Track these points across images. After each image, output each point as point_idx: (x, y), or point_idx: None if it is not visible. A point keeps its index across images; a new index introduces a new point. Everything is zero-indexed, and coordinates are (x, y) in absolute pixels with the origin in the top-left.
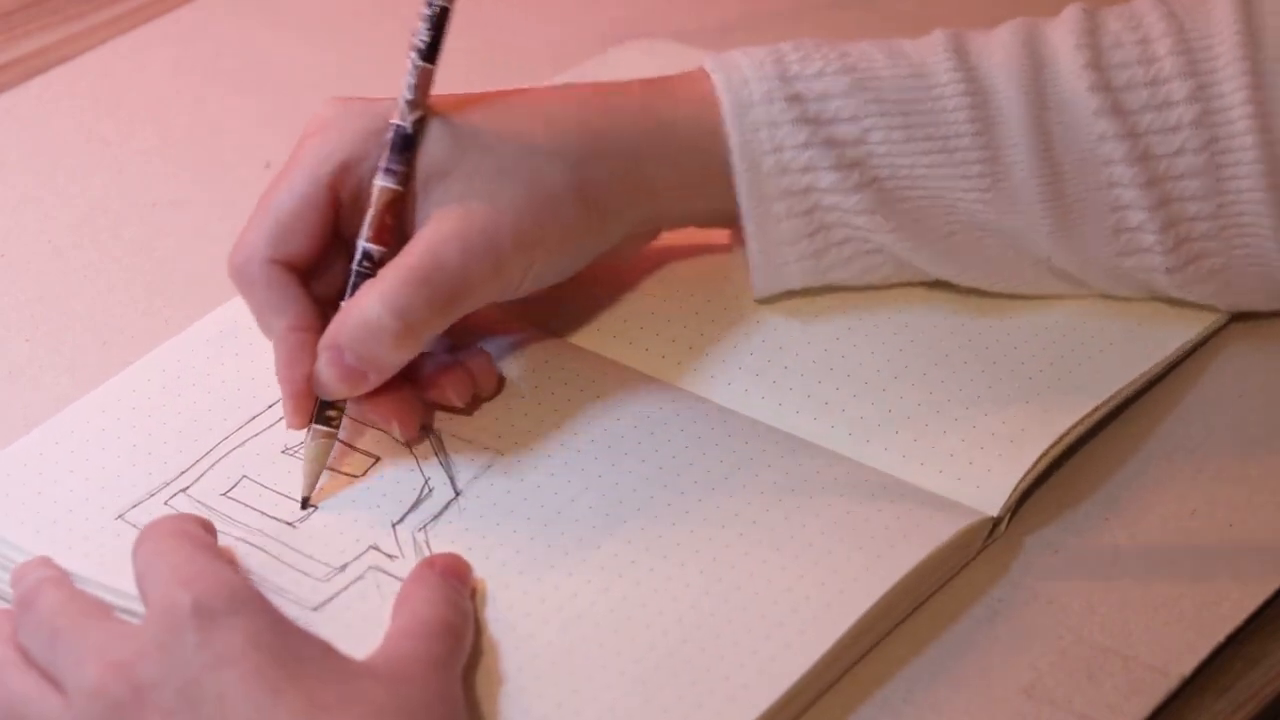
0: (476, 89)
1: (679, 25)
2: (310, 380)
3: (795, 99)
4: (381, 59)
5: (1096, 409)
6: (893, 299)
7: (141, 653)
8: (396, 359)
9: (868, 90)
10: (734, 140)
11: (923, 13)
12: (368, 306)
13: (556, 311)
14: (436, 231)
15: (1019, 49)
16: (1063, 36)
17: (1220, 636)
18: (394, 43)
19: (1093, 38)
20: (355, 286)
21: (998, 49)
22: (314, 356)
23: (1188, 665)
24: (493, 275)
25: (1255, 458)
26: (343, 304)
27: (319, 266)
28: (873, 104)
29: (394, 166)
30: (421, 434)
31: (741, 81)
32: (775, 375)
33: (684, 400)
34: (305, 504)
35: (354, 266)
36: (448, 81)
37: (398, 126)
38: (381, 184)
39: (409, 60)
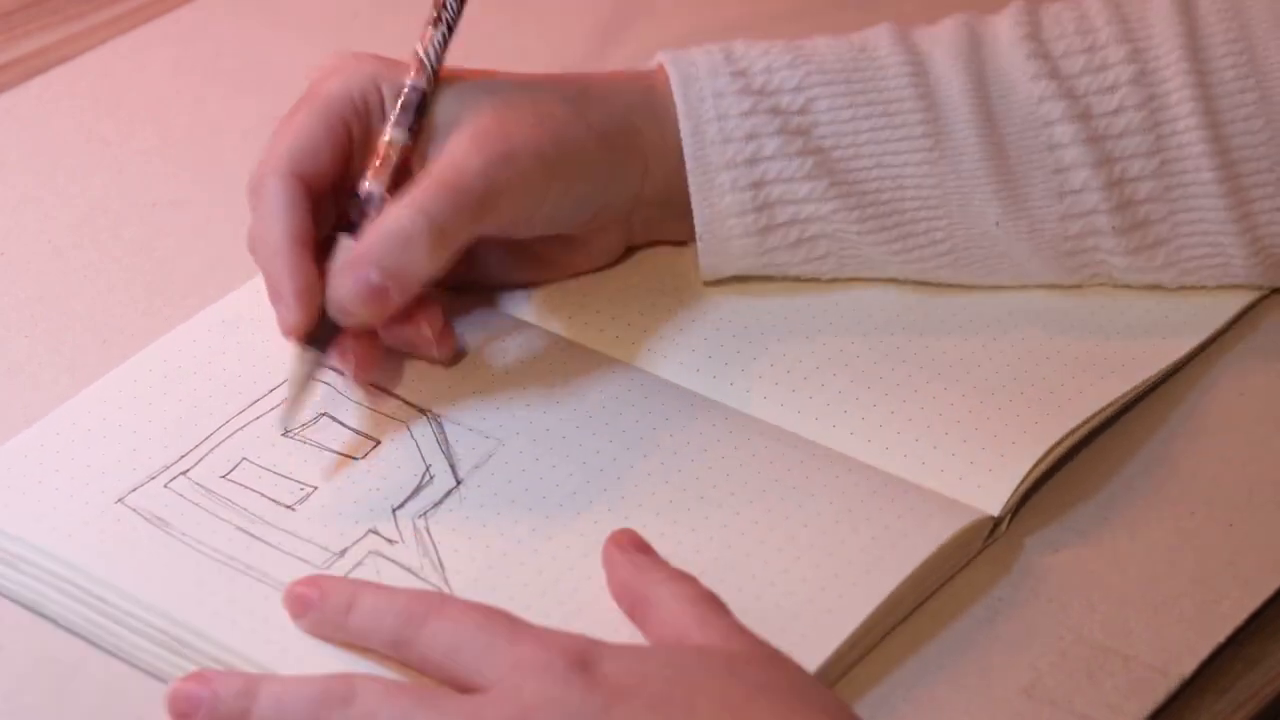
0: None
1: (681, 29)
2: (310, 290)
3: (740, 74)
4: None
5: (1098, 413)
6: (889, 296)
7: (531, 706)
8: (427, 268)
9: (810, 63)
10: (681, 110)
11: (924, 16)
12: (399, 215)
13: (532, 300)
14: (454, 147)
15: (959, 28)
16: (1002, 17)
17: (1220, 637)
18: (394, 43)
19: (1031, 16)
20: (359, 227)
21: (939, 30)
22: (314, 268)
23: (1188, 665)
24: (515, 183)
25: (1255, 458)
26: (367, 227)
27: (322, 207)
28: (815, 74)
29: (406, 123)
30: (421, 416)
31: (689, 62)
32: (778, 376)
33: (686, 398)
34: (287, 431)
35: (357, 198)
36: None
37: (415, 86)
38: (392, 135)
39: (432, 30)
